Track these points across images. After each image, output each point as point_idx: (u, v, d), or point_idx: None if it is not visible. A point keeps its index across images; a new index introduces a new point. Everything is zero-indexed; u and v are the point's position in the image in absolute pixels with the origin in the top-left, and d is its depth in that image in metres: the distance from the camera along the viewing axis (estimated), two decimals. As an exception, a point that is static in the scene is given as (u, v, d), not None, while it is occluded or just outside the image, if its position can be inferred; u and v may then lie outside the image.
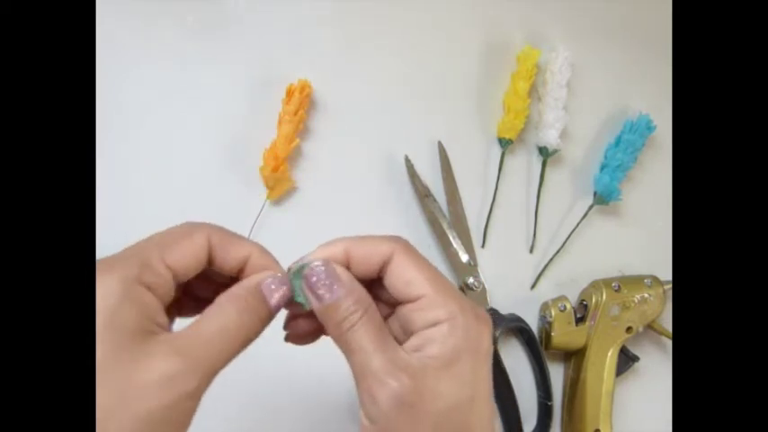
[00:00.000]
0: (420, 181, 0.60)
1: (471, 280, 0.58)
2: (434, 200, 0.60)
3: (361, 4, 0.65)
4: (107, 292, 0.28)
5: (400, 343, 0.32)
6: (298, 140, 0.59)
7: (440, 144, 0.62)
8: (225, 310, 0.31)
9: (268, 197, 0.58)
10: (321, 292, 0.32)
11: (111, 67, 0.59)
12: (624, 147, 0.62)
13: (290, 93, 0.59)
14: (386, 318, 0.35)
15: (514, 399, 0.56)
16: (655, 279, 0.59)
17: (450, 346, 0.31)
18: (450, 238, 0.59)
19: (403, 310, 0.33)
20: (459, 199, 0.61)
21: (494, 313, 0.57)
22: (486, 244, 0.61)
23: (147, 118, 0.60)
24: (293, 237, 0.59)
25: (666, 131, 0.65)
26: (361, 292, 0.33)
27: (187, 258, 0.31)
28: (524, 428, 0.56)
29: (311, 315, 0.33)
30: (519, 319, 0.57)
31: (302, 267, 0.33)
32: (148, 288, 0.29)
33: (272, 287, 0.32)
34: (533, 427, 0.57)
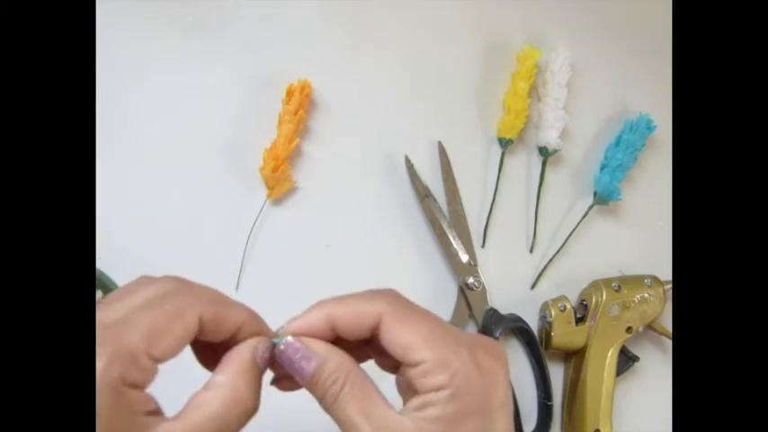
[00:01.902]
0: (420, 181, 0.60)
1: (471, 280, 0.58)
2: (434, 200, 0.60)
3: (362, 5, 0.65)
4: (98, 391, 0.26)
5: (406, 398, 0.31)
6: (298, 140, 0.59)
7: (440, 144, 0.62)
8: (227, 392, 0.29)
9: (268, 197, 0.58)
10: (296, 367, 0.31)
11: (110, 66, 0.59)
12: (624, 147, 0.62)
13: (290, 93, 0.59)
14: (398, 366, 0.33)
15: (514, 399, 0.56)
16: (655, 279, 0.59)
17: (450, 412, 0.29)
18: (450, 238, 0.59)
19: (406, 371, 0.31)
20: (460, 199, 0.61)
21: (494, 313, 0.57)
22: (486, 244, 0.61)
23: (146, 118, 0.60)
24: (293, 237, 0.60)
25: (666, 131, 0.65)
26: (339, 360, 0.31)
27: (175, 345, 0.29)
28: (524, 428, 0.56)
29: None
30: (519, 319, 0.57)
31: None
32: (133, 386, 0.27)
33: (265, 354, 0.31)
34: (533, 427, 0.57)
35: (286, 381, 0.33)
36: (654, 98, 0.66)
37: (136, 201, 0.58)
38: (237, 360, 0.30)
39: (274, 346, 0.32)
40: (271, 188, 0.58)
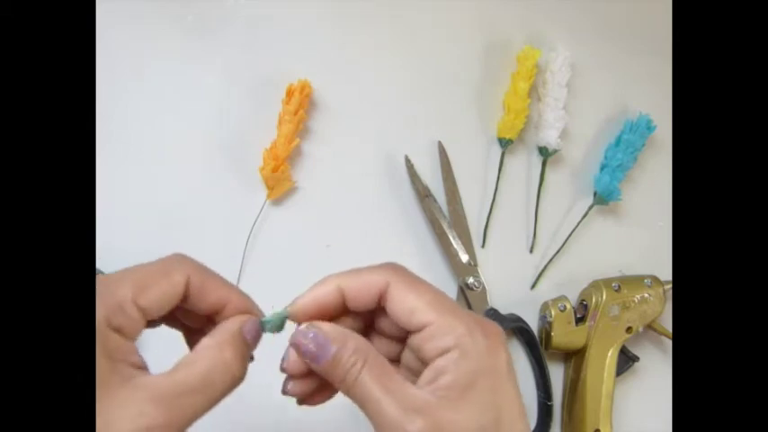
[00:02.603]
0: (420, 181, 0.60)
1: (471, 280, 0.58)
2: (434, 200, 0.60)
3: (362, 5, 0.65)
4: None
5: (417, 375, 0.31)
6: (298, 140, 0.59)
7: (440, 144, 0.62)
8: (212, 355, 0.30)
9: (268, 197, 0.58)
10: (315, 353, 0.31)
11: (110, 66, 0.59)
12: (624, 147, 0.62)
13: (290, 93, 0.59)
14: (399, 352, 0.34)
15: None
16: (655, 279, 0.59)
17: (462, 373, 0.30)
18: (450, 238, 0.59)
19: (413, 340, 0.32)
20: (460, 199, 0.61)
21: (494, 313, 0.57)
22: (486, 244, 0.61)
23: (146, 118, 0.60)
24: (293, 237, 0.60)
25: (666, 131, 0.65)
26: (357, 341, 0.31)
27: (161, 299, 0.30)
28: None
29: (307, 375, 0.33)
30: (519, 319, 0.57)
31: (283, 316, 0.33)
32: (118, 330, 0.28)
33: (252, 331, 0.32)
34: (533, 427, 0.57)
35: (316, 395, 0.34)
36: (654, 98, 0.66)
37: (136, 200, 0.58)
38: (225, 328, 0.31)
39: (263, 326, 0.33)
40: (271, 188, 0.58)
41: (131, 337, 0.29)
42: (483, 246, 0.61)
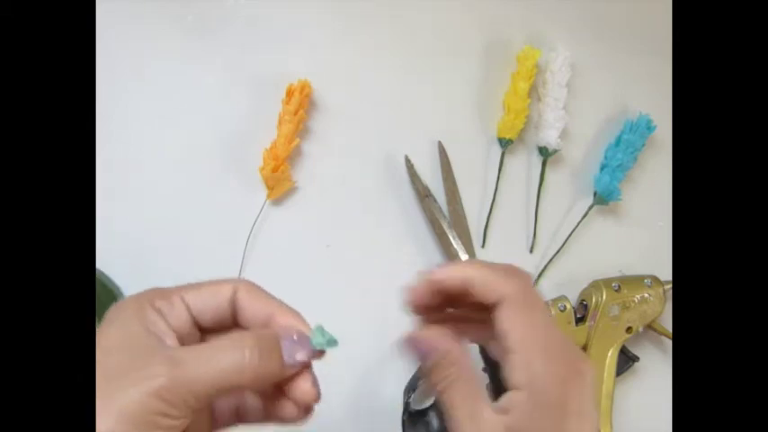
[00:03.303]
0: (420, 181, 0.60)
1: None
2: (434, 200, 0.60)
3: (362, 5, 0.65)
4: (122, 308, 0.30)
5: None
6: (298, 140, 0.59)
7: (440, 144, 0.62)
8: (237, 341, 0.30)
9: (268, 197, 0.58)
10: (421, 354, 0.34)
11: (110, 66, 0.59)
12: (624, 147, 0.62)
13: (290, 93, 0.59)
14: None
15: None
16: (655, 279, 0.59)
17: (527, 418, 0.30)
18: (451, 238, 0.59)
19: (501, 352, 0.33)
20: (460, 199, 0.61)
21: None
22: (486, 244, 0.61)
23: (146, 118, 0.60)
24: (293, 237, 0.60)
25: (666, 131, 0.65)
26: (457, 354, 0.33)
27: (207, 302, 0.32)
28: None
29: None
30: None
31: (332, 339, 0.33)
32: (159, 312, 0.30)
33: (289, 342, 0.31)
34: None
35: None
36: (654, 98, 0.66)
37: (136, 201, 0.58)
38: (262, 331, 0.32)
39: (308, 340, 0.32)
40: (271, 188, 0.58)
41: (173, 325, 0.31)
42: (483, 246, 0.61)
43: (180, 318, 0.31)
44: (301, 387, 0.32)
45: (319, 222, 0.60)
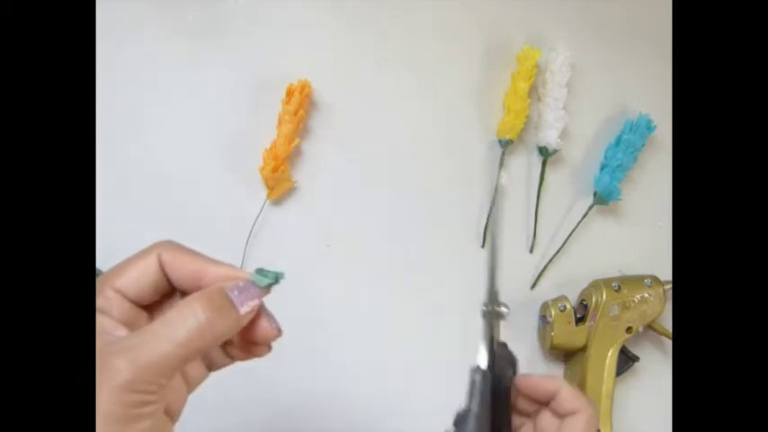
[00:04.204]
0: None
1: None
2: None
3: (362, 5, 0.65)
4: None
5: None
6: (298, 140, 0.59)
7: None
8: (187, 308, 0.30)
9: (268, 197, 0.58)
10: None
11: (110, 66, 0.59)
12: (624, 147, 0.62)
13: (290, 93, 0.59)
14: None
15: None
16: (655, 279, 0.59)
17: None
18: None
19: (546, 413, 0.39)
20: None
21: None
22: (486, 244, 0.61)
23: (146, 117, 0.60)
24: (293, 237, 0.60)
25: (666, 131, 0.65)
26: None
27: (137, 279, 0.32)
28: None
29: None
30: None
31: (274, 273, 0.33)
32: (100, 311, 0.30)
33: (237, 291, 0.32)
34: None
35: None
36: (654, 98, 0.66)
37: (136, 201, 0.58)
38: (206, 289, 0.32)
39: (253, 284, 0.32)
40: (271, 188, 0.58)
41: (116, 316, 0.31)
42: (483, 246, 0.61)
43: (120, 307, 0.31)
44: (262, 328, 0.33)
45: (319, 222, 0.60)
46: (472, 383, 0.38)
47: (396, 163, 0.62)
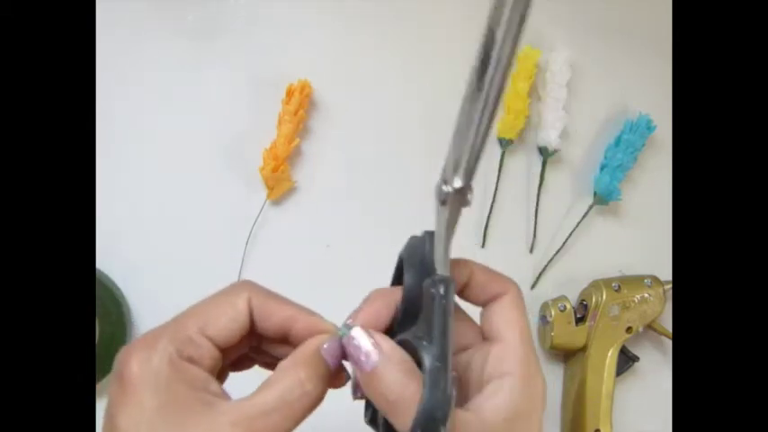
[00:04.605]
0: None
1: None
2: None
3: (362, 4, 0.65)
4: (155, 368, 0.28)
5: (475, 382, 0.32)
6: (298, 140, 0.59)
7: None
8: (287, 377, 0.30)
9: (268, 197, 0.58)
10: (361, 360, 0.31)
11: (110, 66, 0.59)
12: (624, 147, 0.62)
13: (290, 93, 0.59)
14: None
15: None
16: (655, 279, 0.59)
17: (517, 397, 0.31)
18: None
19: (486, 349, 0.33)
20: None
21: None
22: (486, 244, 0.61)
23: (146, 117, 0.60)
24: (293, 237, 0.60)
25: (666, 131, 0.65)
26: (404, 360, 0.31)
27: (228, 327, 0.31)
28: None
29: None
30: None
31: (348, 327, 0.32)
32: (192, 362, 0.29)
33: (329, 350, 0.31)
34: None
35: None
36: (654, 98, 0.66)
37: (136, 201, 0.58)
38: (301, 349, 0.31)
39: (339, 339, 0.32)
40: (271, 188, 0.58)
41: (207, 367, 0.30)
42: (483, 246, 0.61)
43: (210, 356, 0.30)
44: (338, 379, 0.33)
45: (319, 222, 0.59)
46: (432, 297, 0.30)
47: (396, 163, 0.62)
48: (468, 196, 0.31)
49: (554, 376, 0.59)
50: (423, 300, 0.31)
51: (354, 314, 0.33)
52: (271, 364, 0.34)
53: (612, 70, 0.68)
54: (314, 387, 0.30)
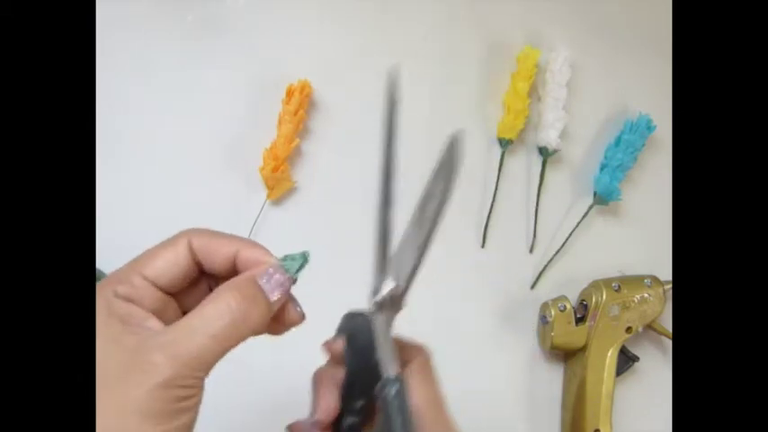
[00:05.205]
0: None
1: None
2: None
3: (362, 5, 0.65)
4: (97, 309, 0.29)
5: None
6: (298, 140, 0.59)
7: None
8: (217, 300, 0.30)
9: (268, 197, 0.58)
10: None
11: (110, 66, 0.59)
12: (624, 147, 0.62)
13: (290, 93, 0.59)
14: None
15: None
16: (655, 279, 0.59)
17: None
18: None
19: None
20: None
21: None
22: (486, 244, 0.61)
23: (146, 118, 0.60)
24: (293, 237, 0.60)
25: (666, 131, 0.65)
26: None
27: (167, 268, 0.31)
28: None
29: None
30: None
31: (303, 255, 0.33)
32: (129, 300, 0.30)
33: (266, 278, 0.32)
34: None
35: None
36: (654, 98, 0.66)
37: (136, 200, 0.58)
38: (236, 277, 0.31)
39: (282, 269, 0.32)
40: (271, 188, 0.58)
41: (147, 306, 0.30)
42: (483, 246, 0.61)
43: (151, 297, 0.30)
44: (288, 314, 0.33)
45: (319, 222, 0.59)
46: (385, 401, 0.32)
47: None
48: (404, 301, 0.34)
49: (554, 376, 0.59)
50: (379, 403, 0.33)
51: (313, 408, 0.35)
52: None
53: (612, 70, 0.68)
54: (243, 312, 0.30)
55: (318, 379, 0.35)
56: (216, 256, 0.32)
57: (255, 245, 0.33)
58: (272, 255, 0.33)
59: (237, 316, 0.30)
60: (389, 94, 0.31)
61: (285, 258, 0.33)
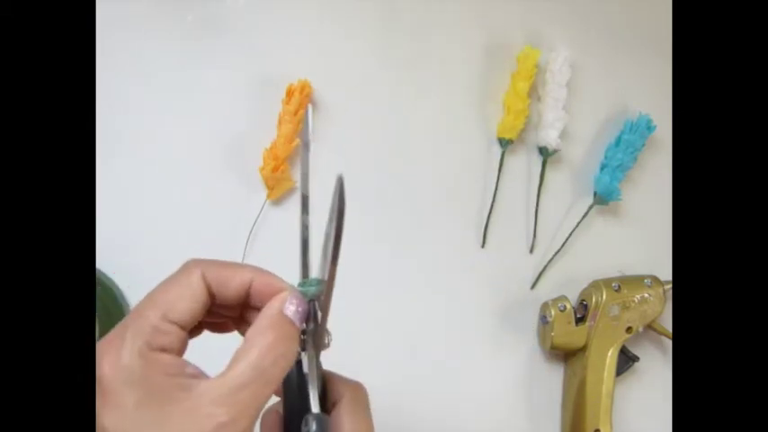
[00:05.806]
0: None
1: None
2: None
3: (362, 5, 0.65)
4: (127, 365, 0.28)
5: None
6: (298, 140, 0.59)
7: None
8: (258, 344, 0.30)
9: (268, 197, 0.58)
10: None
11: (110, 66, 0.59)
12: (624, 147, 0.62)
13: (290, 93, 0.59)
14: None
15: None
16: (655, 279, 0.59)
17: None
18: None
19: None
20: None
21: None
22: (486, 244, 0.61)
23: (146, 118, 0.60)
24: (293, 237, 0.59)
25: (666, 131, 0.65)
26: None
27: (189, 308, 0.31)
28: None
29: None
30: None
31: (316, 281, 0.34)
32: (163, 350, 0.30)
33: (294, 309, 0.32)
34: None
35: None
36: (654, 98, 0.66)
37: (136, 200, 0.58)
38: (264, 314, 0.32)
39: (302, 297, 0.33)
40: (271, 188, 0.58)
41: (178, 351, 0.30)
42: (483, 246, 0.61)
43: (179, 340, 0.31)
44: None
45: (319, 222, 0.59)
46: None
47: (395, 163, 0.62)
48: (327, 339, 0.34)
49: (554, 376, 0.59)
50: None
51: None
52: (218, 324, 0.35)
53: (612, 70, 0.68)
54: (286, 348, 0.31)
55: (263, 421, 0.36)
56: (229, 287, 0.33)
57: (268, 273, 0.34)
58: (284, 281, 0.34)
59: (288, 358, 0.31)
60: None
61: (304, 284, 0.34)
